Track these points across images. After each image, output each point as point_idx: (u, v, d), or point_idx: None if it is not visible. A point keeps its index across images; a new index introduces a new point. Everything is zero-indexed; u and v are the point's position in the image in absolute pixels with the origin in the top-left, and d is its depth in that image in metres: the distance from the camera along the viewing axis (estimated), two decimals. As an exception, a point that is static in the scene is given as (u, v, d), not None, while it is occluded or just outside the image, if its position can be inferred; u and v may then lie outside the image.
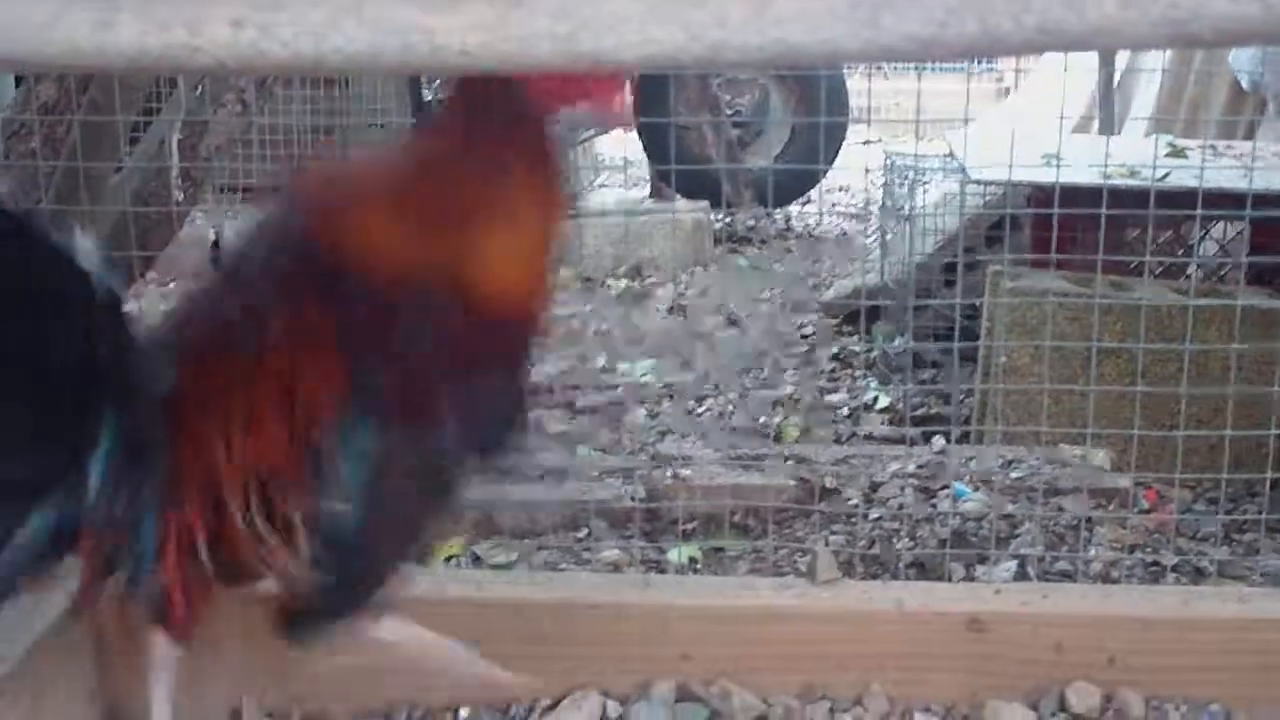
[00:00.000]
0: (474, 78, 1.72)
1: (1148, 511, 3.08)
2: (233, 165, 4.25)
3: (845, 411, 4.26)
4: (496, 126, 1.72)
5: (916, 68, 3.03)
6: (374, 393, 1.70)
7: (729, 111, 7.58)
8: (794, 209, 7.61)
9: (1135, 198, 3.26)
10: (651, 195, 7.94)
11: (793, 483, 3.03)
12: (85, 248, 1.52)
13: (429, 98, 7.76)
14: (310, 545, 1.70)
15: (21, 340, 1.50)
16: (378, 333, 1.71)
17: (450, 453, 1.77)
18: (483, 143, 1.72)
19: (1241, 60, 5.56)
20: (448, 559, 2.86)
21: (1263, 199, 2.80)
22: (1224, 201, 3.43)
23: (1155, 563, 2.81)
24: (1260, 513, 2.66)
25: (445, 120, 1.88)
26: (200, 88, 3.16)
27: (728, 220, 7.10)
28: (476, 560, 2.85)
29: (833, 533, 2.89)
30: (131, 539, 1.69)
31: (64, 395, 1.57)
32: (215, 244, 5.96)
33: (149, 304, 4.66)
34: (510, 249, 1.75)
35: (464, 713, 2.25)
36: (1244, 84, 5.66)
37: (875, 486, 3.06)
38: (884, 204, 5.28)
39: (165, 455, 1.69)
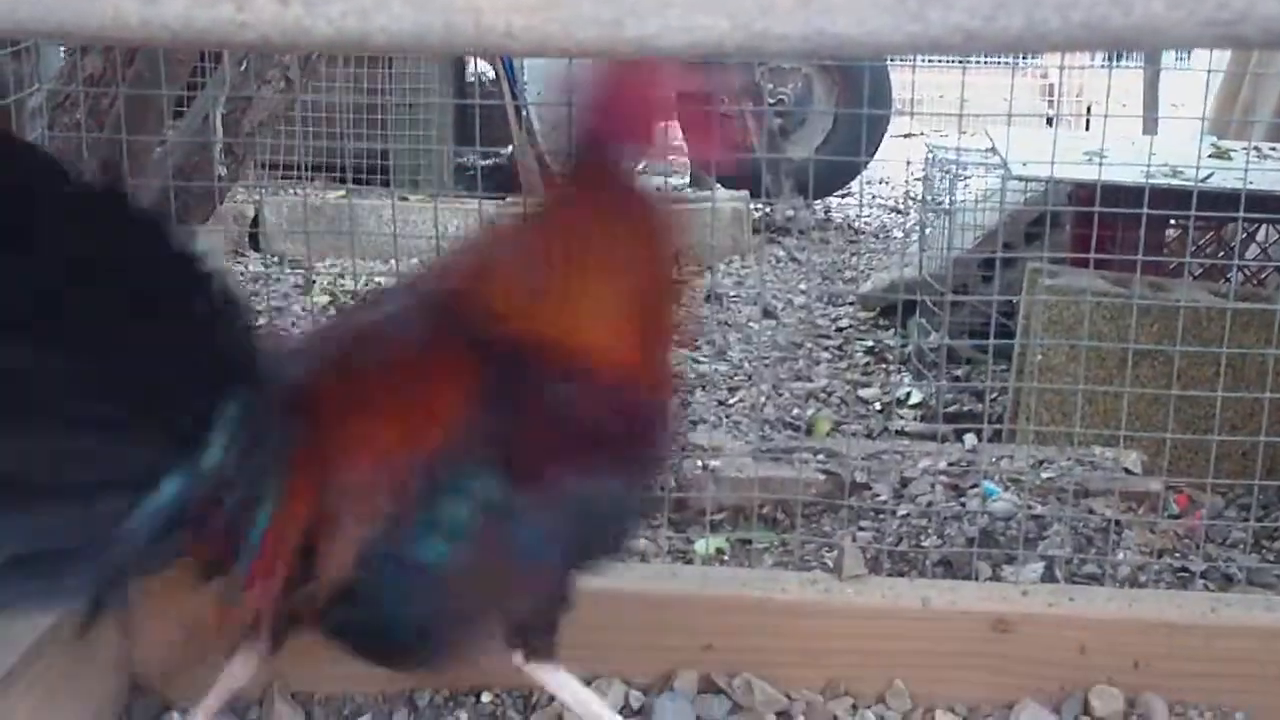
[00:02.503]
0: (590, 143, 1.79)
1: (1178, 516, 3.06)
2: (275, 142, 4.27)
3: (877, 406, 4.25)
4: (606, 190, 1.78)
5: (960, 61, 3.02)
6: (491, 444, 1.71)
7: (771, 100, 7.55)
8: (834, 200, 7.58)
9: (1177, 198, 3.24)
10: (690, 183, 7.93)
11: (822, 477, 3.02)
12: (206, 249, 1.57)
13: (471, 79, 7.75)
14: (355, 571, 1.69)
15: (142, 331, 1.52)
16: (503, 388, 1.73)
17: (550, 534, 1.76)
18: (593, 207, 1.79)
19: None
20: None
21: (1306, 204, 2.77)
22: (1267, 204, 3.41)
23: (1184, 568, 2.80)
24: (1293, 521, 2.65)
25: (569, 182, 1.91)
26: (245, 63, 3.17)
27: (767, 210, 7.08)
28: (504, 544, 2.86)
29: (860, 528, 2.88)
30: (245, 532, 1.68)
31: (180, 386, 1.57)
32: (255, 220, 6.01)
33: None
34: (606, 310, 1.77)
35: (486, 697, 2.26)
36: None
37: (905, 483, 3.05)
38: (924, 198, 5.25)
39: (281, 455, 1.68)
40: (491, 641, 1.87)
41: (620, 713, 2.19)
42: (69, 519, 1.53)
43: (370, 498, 1.69)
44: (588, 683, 2.22)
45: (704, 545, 2.85)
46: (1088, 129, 7.94)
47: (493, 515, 1.71)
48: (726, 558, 2.85)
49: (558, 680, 1.94)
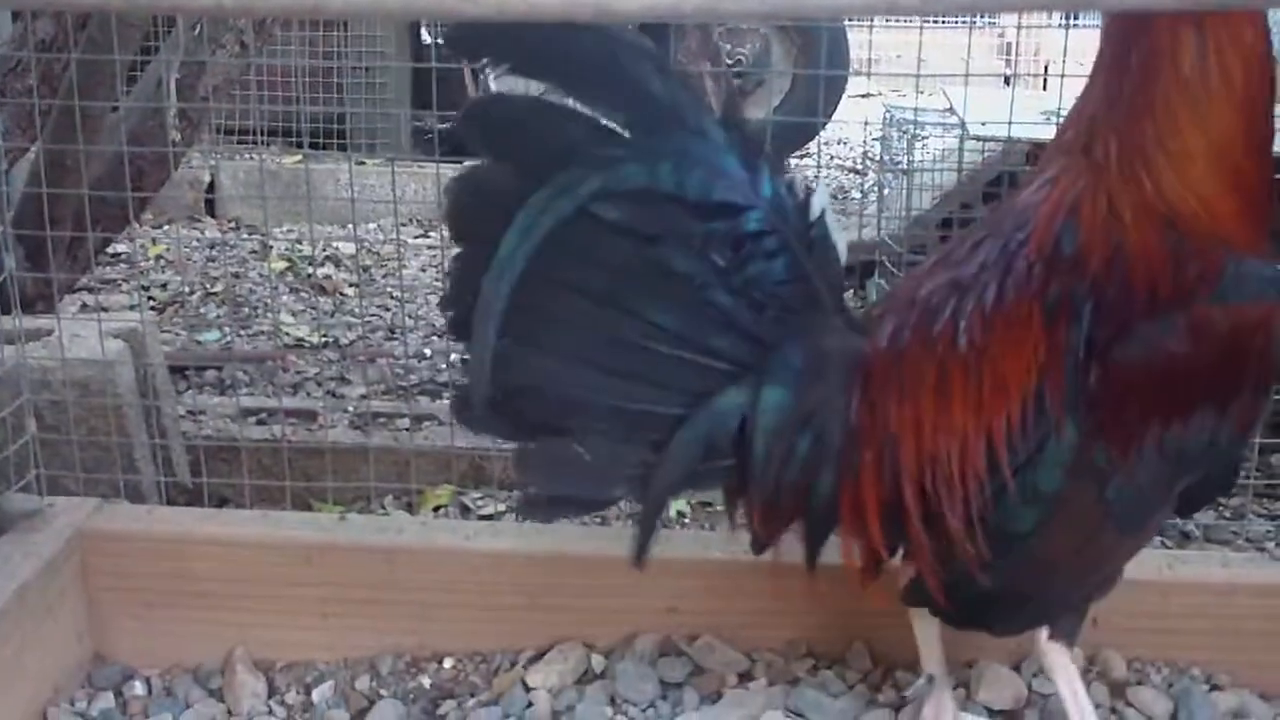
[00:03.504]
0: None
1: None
2: (230, 107, 4.23)
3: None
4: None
5: (918, 21, 3.01)
6: (1089, 406, 1.64)
7: (729, 61, 7.52)
8: (792, 161, 7.58)
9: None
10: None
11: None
12: (821, 202, 1.70)
13: (428, 41, 7.70)
14: (978, 544, 1.68)
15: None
16: (1114, 346, 1.62)
17: (1149, 486, 1.69)
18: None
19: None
20: (436, 509, 2.87)
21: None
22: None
23: (1142, 525, 2.81)
24: (1247, 478, 2.67)
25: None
26: (199, 28, 3.13)
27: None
28: (465, 511, 2.86)
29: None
30: (809, 491, 1.72)
31: (740, 328, 1.66)
32: (210, 186, 5.96)
33: (142, 245, 4.65)
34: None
35: (448, 662, 2.26)
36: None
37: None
38: (881, 158, 5.25)
39: (844, 413, 1.69)
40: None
41: (582, 678, 2.20)
42: (614, 449, 1.67)
43: (958, 478, 1.67)
44: (548, 648, 2.24)
45: (665, 508, 2.86)
46: (1045, 88, 7.95)
47: (1081, 479, 1.66)
48: (687, 520, 2.86)
49: (1067, 670, 1.91)
